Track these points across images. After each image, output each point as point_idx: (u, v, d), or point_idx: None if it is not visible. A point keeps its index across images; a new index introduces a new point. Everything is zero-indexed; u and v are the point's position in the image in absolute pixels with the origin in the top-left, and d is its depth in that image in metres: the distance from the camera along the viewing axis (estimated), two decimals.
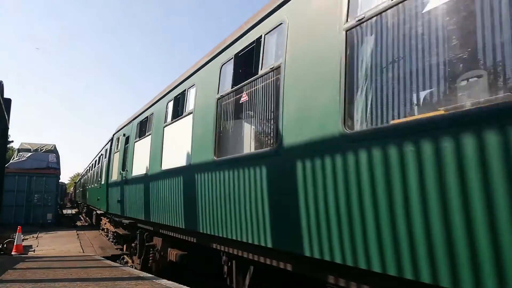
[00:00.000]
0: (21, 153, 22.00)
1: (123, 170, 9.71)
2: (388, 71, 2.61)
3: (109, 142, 13.05)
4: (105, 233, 15.18)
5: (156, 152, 7.00)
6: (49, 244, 12.75)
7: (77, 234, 16.16)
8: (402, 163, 2.26)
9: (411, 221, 2.19)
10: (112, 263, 8.70)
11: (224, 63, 4.82)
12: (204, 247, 5.19)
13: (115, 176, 11.04)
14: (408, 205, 2.21)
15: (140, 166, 8.15)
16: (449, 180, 2.01)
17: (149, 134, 7.74)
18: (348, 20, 2.82)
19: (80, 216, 31.57)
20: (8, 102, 11.24)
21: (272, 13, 3.91)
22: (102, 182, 13.67)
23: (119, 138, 11.05)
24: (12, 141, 21.11)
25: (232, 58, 4.63)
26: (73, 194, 50.46)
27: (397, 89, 2.53)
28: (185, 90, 6.12)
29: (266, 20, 4.01)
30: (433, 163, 2.08)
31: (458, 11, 2.33)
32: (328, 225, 2.81)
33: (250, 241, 3.72)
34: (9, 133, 12.10)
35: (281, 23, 3.73)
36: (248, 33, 4.33)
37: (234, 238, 4.05)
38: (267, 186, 3.53)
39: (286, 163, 3.30)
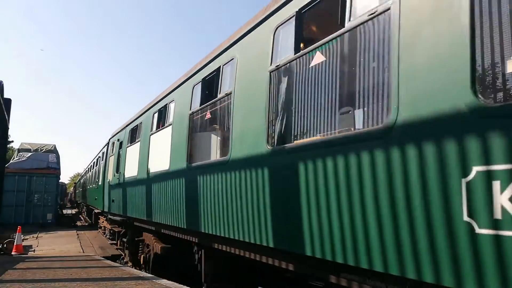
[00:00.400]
0: (21, 153, 22.09)
1: (117, 172, 10.72)
2: (292, 105, 3.66)
3: (106, 146, 14.09)
4: (103, 231, 16.08)
5: (144, 157, 7.95)
6: (49, 244, 12.80)
7: (77, 234, 16.21)
8: (304, 171, 3.17)
9: (309, 219, 3.13)
10: (112, 263, 8.72)
11: (196, 84, 5.73)
12: (182, 239, 6.07)
13: (110, 178, 11.94)
14: (301, 202, 3.19)
15: (131, 169, 9.01)
16: (320, 182, 2.99)
17: (139, 141, 8.71)
18: (271, 64, 3.80)
19: (80, 216, 31.60)
20: (8, 102, 11.27)
21: (227, 49, 4.89)
22: (100, 183, 14.76)
23: (114, 142, 12.11)
24: (12, 141, 21.13)
25: (200, 81, 5.59)
26: (73, 194, 50.52)
27: (298, 118, 3.62)
28: (167, 104, 7.03)
29: (223, 54, 4.99)
30: (318, 170, 3.02)
31: (334, 66, 3.25)
32: (235, 222, 4.07)
33: (211, 232, 4.72)
34: (9, 133, 12.12)
35: (232, 58, 4.68)
36: (212, 62, 5.29)
37: (202, 231, 4.92)
38: (220, 190, 4.49)
39: (232, 172, 4.26)
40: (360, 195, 2.58)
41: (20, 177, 20.52)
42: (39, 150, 22.68)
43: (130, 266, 8.96)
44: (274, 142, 3.65)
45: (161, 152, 6.77)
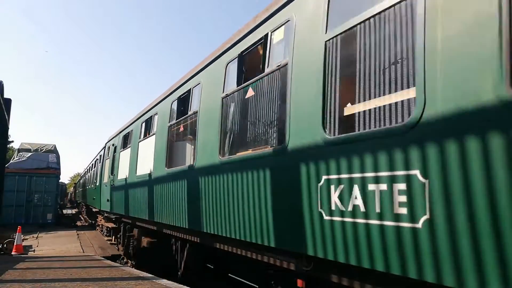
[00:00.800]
0: (21, 153, 22.13)
1: (111, 174, 11.84)
2: (235, 123, 4.71)
3: (103, 149, 15.28)
4: (101, 229, 17.03)
5: (133, 162, 9.03)
6: (49, 244, 12.82)
7: (77, 234, 16.24)
8: (245, 179, 4.04)
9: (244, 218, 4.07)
10: (112, 263, 8.74)
11: (173, 101, 6.77)
12: (164, 233, 7.06)
13: (106, 179, 13.13)
14: (240, 203, 4.12)
15: (123, 172, 10.09)
16: (250, 187, 3.93)
17: (129, 147, 9.81)
18: (223, 92, 4.82)
19: (80, 216, 31.62)
20: (8, 102, 11.28)
21: (195, 75, 5.93)
22: (97, 184, 15.77)
23: (109, 146, 13.24)
24: (12, 141, 21.15)
25: (176, 99, 6.60)
26: (73, 194, 50.58)
27: (237, 135, 4.68)
28: (152, 116, 8.13)
29: (192, 79, 6.03)
30: (254, 177, 3.87)
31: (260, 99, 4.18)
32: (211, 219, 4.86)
33: (185, 226, 5.66)
34: (9, 133, 12.12)
35: (198, 83, 5.74)
36: (184, 85, 6.44)
37: (179, 225, 5.87)
38: (187, 192, 5.58)
39: (196, 177, 5.25)
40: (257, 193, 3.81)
41: (20, 177, 20.61)
42: (39, 150, 22.73)
43: (130, 266, 8.97)
44: (224, 154, 4.68)
45: (147, 158, 7.86)
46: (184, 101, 6.35)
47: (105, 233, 15.53)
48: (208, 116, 5.15)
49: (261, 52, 4.16)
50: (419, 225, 2.20)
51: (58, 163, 22.78)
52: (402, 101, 2.53)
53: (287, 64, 3.58)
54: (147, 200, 7.56)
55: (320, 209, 2.93)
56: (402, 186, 2.31)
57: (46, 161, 21.86)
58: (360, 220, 2.59)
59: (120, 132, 11.43)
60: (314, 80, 3.13)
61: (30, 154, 21.83)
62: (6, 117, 11.05)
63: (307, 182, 3.10)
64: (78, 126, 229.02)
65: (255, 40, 4.26)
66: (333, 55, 3.04)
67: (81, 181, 32.84)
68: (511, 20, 1.89)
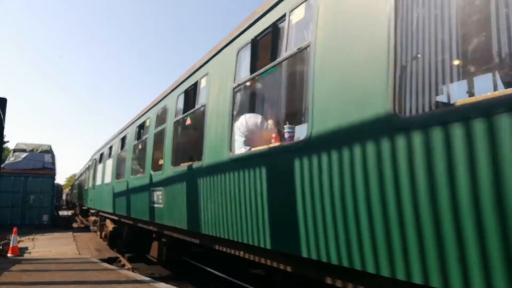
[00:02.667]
0: (16, 153, 22.00)
1: (93, 180, 16.66)
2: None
3: (90, 159, 19.61)
4: (91, 223, 20.46)
5: (103, 173, 13.74)
6: (45, 246, 12.78)
7: (73, 236, 16.19)
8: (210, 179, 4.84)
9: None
10: (109, 266, 8.73)
11: (138, 125, 9.10)
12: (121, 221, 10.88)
13: (90, 184, 18.12)
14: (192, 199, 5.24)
15: (99, 179, 14.88)
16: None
17: (102, 162, 14.41)
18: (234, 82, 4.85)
19: (76, 217, 31.52)
20: (3, 102, 11.22)
21: (170, 93, 7.29)
22: (86, 187, 20.87)
23: (95, 158, 16.99)
24: (8, 141, 21.04)
25: (139, 125, 9.31)
26: (69, 195, 50.46)
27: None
28: (125, 135, 10.85)
29: (151, 110, 8.52)
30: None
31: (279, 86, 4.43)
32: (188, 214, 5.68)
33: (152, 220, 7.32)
34: (4, 133, 12.06)
35: (165, 104, 7.60)
36: (141, 118, 9.44)
37: (124, 214, 9.12)
38: (147, 193, 7.64)
39: (171, 180, 6.24)
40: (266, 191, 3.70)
41: (16, 178, 20.48)
42: (35, 150, 22.62)
43: (127, 269, 8.95)
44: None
45: (109, 170, 12.41)
46: (141, 128, 9.16)
47: (91, 225, 19.58)
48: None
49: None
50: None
51: (53, 163, 22.70)
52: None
53: (204, 105, 5.21)
54: (111, 200, 11.47)
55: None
56: None
57: (41, 162, 21.74)
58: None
59: (98, 151, 16.00)
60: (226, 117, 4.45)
61: (25, 154, 21.70)
62: (2, 117, 11.00)
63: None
64: (74, 127, 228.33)
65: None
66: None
67: (75, 183, 34.82)
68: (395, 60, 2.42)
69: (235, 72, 4.40)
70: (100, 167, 14.65)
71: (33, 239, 14.72)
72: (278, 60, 3.70)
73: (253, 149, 4.03)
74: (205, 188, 4.84)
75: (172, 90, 6.86)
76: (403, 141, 2.28)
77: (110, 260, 10.53)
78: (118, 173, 10.85)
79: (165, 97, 7.31)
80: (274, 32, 3.95)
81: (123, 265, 10.08)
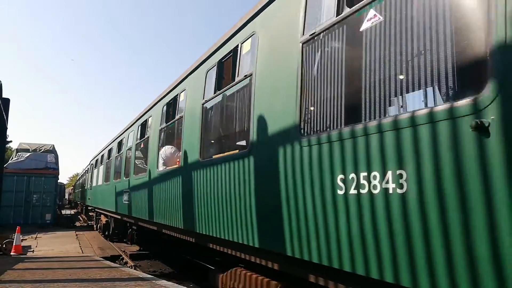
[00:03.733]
0: (19, 153, 22.11)
1: (90, 182, 20.39)
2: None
3: (89, 164, 22.88)
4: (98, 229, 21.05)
5: (98, 176, 16.96)
6: (48, 245, 12.84)
7: (76, 235, 16.26)
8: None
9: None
10: (111, 264, 8.77)
11: (118, 142, 11.63)
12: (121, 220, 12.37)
13: (88, 185, 21.87)
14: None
15: (94, 181, 18.33)
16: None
17: (97, 168, 17.65)
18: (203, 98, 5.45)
19: (79, 216, 31.62)
20: (6, 101, 11.27)
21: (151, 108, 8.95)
22: (85, 188, 24.24)
23: (92, 163, 20.42)
24: (11, 141, 21.14)
25: (129, 133, 11.21)
26: (71, 194, 50.65)
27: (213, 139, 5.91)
28: (111, 148, 13.77)
29: (132, 122, 10.78)
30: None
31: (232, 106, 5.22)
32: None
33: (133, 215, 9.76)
34: (7, 133, 12.13)
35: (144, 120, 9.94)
36: (122, 133, 11.85)
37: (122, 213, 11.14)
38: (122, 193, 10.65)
39: (133, 185, 8.99)
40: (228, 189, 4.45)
41: (19, 177, 20.58)
42: (38, 150, 22.71)
43: (129, 267, 9.00)
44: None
45: (100, 175, 16.15)
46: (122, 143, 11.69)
47: (90, 220, 22.91)
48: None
49: None
50: None
51: (56, 163, 22.76)
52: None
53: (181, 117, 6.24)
54: (102, 199, 14.98)
55: None
56: None
57: (44, 161, 21.83)
58: None
59: (98, 154, 18.13)
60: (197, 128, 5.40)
61: (28, 154, 21.79)
62: (5, 117, 11.05)
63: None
64: (77, 126, 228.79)
65: None
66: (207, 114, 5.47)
67: (77, 183, 36.37)
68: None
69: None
70: (95, 171, 18.34)
71: (36, 238, 14.80)
72: (230, 84, 4.60)
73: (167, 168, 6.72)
74: (149, 192, 7.63)
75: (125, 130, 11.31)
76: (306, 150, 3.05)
77: (113, 258, 10.59)
78: (106, 178, 14.39)
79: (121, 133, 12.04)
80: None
81: (126, 263, 10.13)
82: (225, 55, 4.87)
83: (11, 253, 10.66)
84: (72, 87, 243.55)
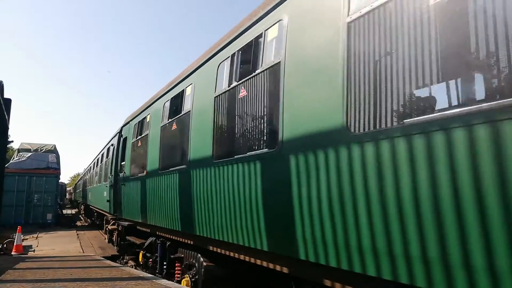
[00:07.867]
0: (21, 153, 22.10)
1: (88, 183, 22.96)
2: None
3: (88, 166, 26.47)
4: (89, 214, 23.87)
5: (94, 178, 19.32)
6: (49, 244, 12.83)
7: (77, 234, 16.25)
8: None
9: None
10: (112, 263, 8.75)
11: (114, 145, 12.31)
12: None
13: (86, 186, 24.82)
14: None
15: (91, 182, 20.60)
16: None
17: (93, 171, 20.08)
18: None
19: (80, 216, 31.61)
20: (8, 102, 11.26)
21: (136, 116, 10.17)
22: (85, 188, 26.34)
23: (90, 166, 22.82)
24: (12, 141, 21.15)
25: (120, 136, 12.43)
26: (73, 194, 50.64)
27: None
28: (103, 154, 15.37)
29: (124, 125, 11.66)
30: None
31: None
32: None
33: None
34: (9, 133, 12.14)
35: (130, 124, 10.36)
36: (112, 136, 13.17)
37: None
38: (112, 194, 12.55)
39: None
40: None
41: (20, 177, 20.55)
42: (39, 150, 22.67)
43: (130, 266, 8.98)
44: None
45: (97, 177, 17.66)
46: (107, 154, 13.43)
47: (90, 217, 24.59)
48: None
49: None
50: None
51: (58, 163, 22.74)
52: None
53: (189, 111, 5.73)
54: (95, 198, 17.72)
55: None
56: None
57: (46, 161, 21.81)
58: None
59: (91, 163, 21.25)
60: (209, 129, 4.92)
61: (29, 154, 21.75)
62: (6, 117, 11.04)
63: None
64: (79, 125, 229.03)
65: None
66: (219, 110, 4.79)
67: (79, 183, 37.05)
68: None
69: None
70: (92, 174, 20.83)
71: (37, 238, 14.78)
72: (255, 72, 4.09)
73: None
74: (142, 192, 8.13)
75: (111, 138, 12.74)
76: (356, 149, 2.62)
77: (114, 258, 10.57)
78: (98, 180, 16.58)
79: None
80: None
81: (126, 263, 10.11)
82: (245, 45, 4.30)
83: (12, 253, 10.65)
84: (77, 86, 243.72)
